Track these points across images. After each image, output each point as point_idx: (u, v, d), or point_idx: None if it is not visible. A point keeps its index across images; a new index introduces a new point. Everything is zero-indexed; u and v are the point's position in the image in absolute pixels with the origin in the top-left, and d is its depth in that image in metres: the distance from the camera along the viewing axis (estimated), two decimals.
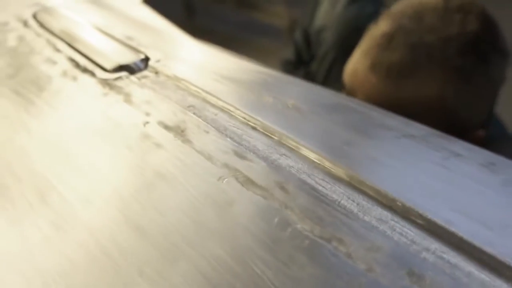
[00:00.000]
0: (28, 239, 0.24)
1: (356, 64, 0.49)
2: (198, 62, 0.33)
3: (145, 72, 0.31)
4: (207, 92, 0.28)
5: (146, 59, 0.33)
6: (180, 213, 0.21)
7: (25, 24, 0.41)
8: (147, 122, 0.26)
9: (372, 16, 0.75)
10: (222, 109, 0.27)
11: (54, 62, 0.35)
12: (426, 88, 0.44)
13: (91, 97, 0.30)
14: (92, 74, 0.32)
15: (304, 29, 0.89)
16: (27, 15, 0.42)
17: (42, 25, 0.40)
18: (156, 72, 0.31)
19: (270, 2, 1.88)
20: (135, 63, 0.32)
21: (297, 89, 0.31)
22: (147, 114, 0.27)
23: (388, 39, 0.44)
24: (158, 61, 0.32)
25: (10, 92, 0.34)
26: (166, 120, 0.26)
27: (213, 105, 0.27)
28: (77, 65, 0.33)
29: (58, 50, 0.36)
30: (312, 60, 0.85)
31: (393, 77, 0.43)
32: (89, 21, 0.40)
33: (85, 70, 0.32)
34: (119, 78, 0.31)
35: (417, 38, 0.43)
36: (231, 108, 0.27)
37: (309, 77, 0.84)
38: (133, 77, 0.30)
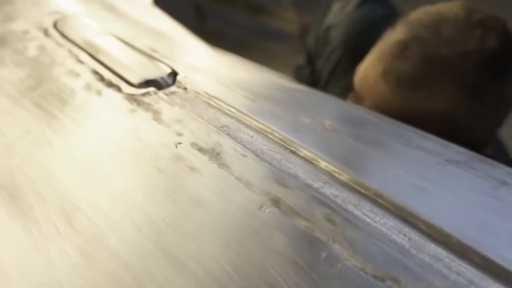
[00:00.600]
0: (55, 266, 0.23)
1: (367, 69, 0.48)
2: (227, 77, 0.32)
3: (173, 88, 0.30)
4: (240, 112, 0.27)
5: (173, 74, 0.31)
6: (219, 244, 0.20)
7: (46, 33, 0.40)
8: (179, 143, 0.25)
9: (383, 19, 0.74)
10: (258, 131, 0.25)
11: (77, 74, 0.34)
12: (436, 101, 0.42)
13: (118, 113, 0.29)
14: (118, 88, 0.31)
15: (316, 32, 0.89)
16: (48, 23, 0.41)
17: (63, 34, 0.39)
18: (185, 88, 0.30)
19: (281, 6, 1.87)
20: (162, 78, 0.31)
21: (332, 107, 0.29)
22: (179, 134, 0.26)
23: (402, 48, 0.43)
24: (186, 76, 0.31)
25: (32, 105, 0.33)
26: (200, 142, 0.25)
27: (248, 126, 0.26)
28: (101, 78, 0.32)
29: (81, 62, 0.35)
30: (318, 58, 0.84)
31: (404, 87, 0.42)
32: (110, 30, 0.39)
33: (110, 84, 0.31)
34: (147, 93, 0.29)
35: (432, 49, 0.42)
36: (268, 130, 0.25)
37: (314, 75, 0.83)
38: (161, 93, 0.29)
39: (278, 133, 0.25)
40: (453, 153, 0.26)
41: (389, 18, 0.76)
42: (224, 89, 0.30)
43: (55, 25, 0.41)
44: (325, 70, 0.79)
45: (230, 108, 0.27)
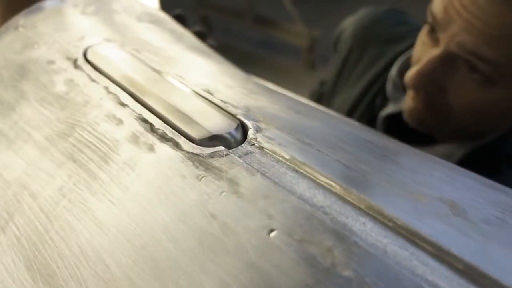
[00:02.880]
0: None
1: None
2: (303, 130, 0.26)
3: (246, 147, 0.24)
4: (340, 185, 0.21)
5: (242, 126, 0.26)
6: None
7: (75, 64, 0.34)
8: (272, 230, 0.20)
9: (389, 12, 0.72)
10: (371, 216, 0.20)
11: (119, 121, 0.28)
12: None
13: (179, 179, 0.23)
14: (175, 144, 0.25)
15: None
16: (76, 52, 0.35)
17: (96, 67, 0.33)
18: (261, 148, 0.24)
19: (290, 20, 1.82)
20: (230, 134, 0.25)
21: (452, 176, 0.24)
22: (269, 216, 0.20)
23: None
24: (256, 130, 0.25)
25: (65, 158, 0.27)
26: (299, 230, 0.19)
27: (357, 208, 0.20)
28: (151, 128, 0.27)
29: (122, 104, 0.29)
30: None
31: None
32: (153, 65, 0.33)
33: (163, 137, 0.26)
34: (215, 153, 0.24)
35: None
36: (384, 214, 0.20)
37: (322, 87, 0.79)
38: (234, 155, 0.24)
39: (398, 219, 0.19)
40: None
41: (396, 11, 0.74)
42: (308, 149, 0.24)
43: (85, 55, 0.35)
44: (332, 73, 0.76)
45: (326, 180, 0.22)
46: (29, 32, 0.38)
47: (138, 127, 0.27)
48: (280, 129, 0.26)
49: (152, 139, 0.26)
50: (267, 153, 0.24)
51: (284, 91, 0.46)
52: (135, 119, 0.27)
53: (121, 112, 0.28)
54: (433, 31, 0.48)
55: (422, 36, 0.50)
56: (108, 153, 0.26)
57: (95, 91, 0.31)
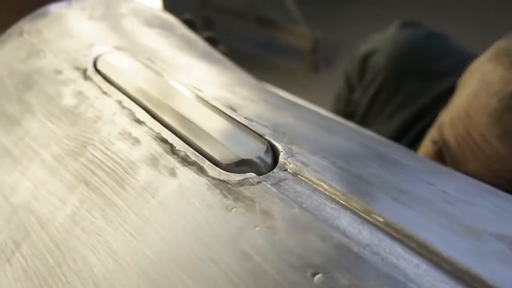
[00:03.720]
0: None
1: (467, 125, 0.40)
2: (336, 152, 0.24)
3: (278, 173, 0.22)
4: (389, 222, 0.19)
5: (272, 150, 0.24)
6: None
7: (85, 74, 0.32)
8: (316, 273, 0.17)
9: (429, 39, 0.68)
10: (425, 256, 0.18)
11: (135, 140, 0.26)
12: None
13: (206, 209, 0.21)
14: (199, 169, 0.23)
15: (352, 62, 0.81)
16: (85, 61, 0.33)
17: (107, 78, 0.31)
18: (295, 174, 0.22)
19: (293, 22, 1.80)
20: (260, 158, 0.23)
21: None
22: (311, 256, 0.18)
23: None
24: (290, 153, 0.23)
25: (76, 181, 0.25)
26: (346, 274, 0.17)
27: (408, 247, 0.18)
28: (171, 150, 0.24)
29: (138, 121, 0.27)
30: (354, 91, 0.77)
31: None
32: (166, 74, 0.31)
33: (186, 160, 0.23)
34: (245, 181, 0.22)
35: None
36: (438, 254, 0.18)
37: (350, 107, 0.76)
38: (266, 183, 0.21)
39: (460, 263, 0.17)
40: None
41: (435, 38, 0.70)
42: (346, 176, 0.22)
43: (95, 65, 0.33)
44: (364, 101, 0.72)
45: (370, 213, 0.20)
46: (33, 39, 0.35)
47: (157, 148, 0.25)
48: (314, 153, 0.23)
49: (173, 162, 0.24)
50: (302, 180, 0.22)
51: (307, 104, 0.43)
52: (153, 138, 0.25)
53: (137, 130, 0.26)
54: (440, 154, 0.44)
55: (428, 153, 0.46)
56: (124, 177, 0.24)
57: (108, 105, 0.29)
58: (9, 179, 0.27)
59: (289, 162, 0.23)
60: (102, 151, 0.26)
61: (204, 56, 0.41)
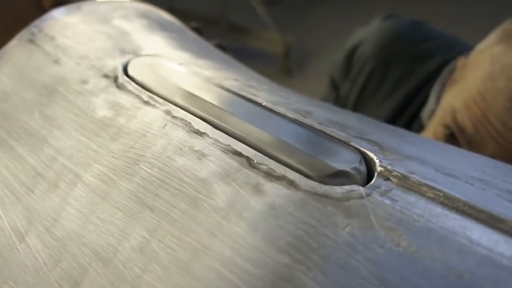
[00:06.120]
0: None
1: (483, 109, 0.40)
2: (436, 160, 0.22)
3: (380, 183, 0.20)
4: None
5: (364, 158, 0.21)
6: None
7: (116, 82, 0.28)
8: None
9: (412, 25, 0.70)
10: None
11: (200, 155, 0.22)
12: None
13: (311, 229, 0.18)
14: (290, 183, 0.20)
15: (338, 59, 0.81)
16: (114, 68, 0.29)
17: (144, 86, 0.27)
18: (401, 183, 0.20)
19: (264, 27, 1.79)
20: (356, 169, 0.20)
21: None
22: (458, 275, 0.16)
23: None
24: (384, 160, 0.21)
25: (134, 205, 0.21)
26: None
27: None
28: (249, 163, 0.21)
29: (198, 133, 0.23)
30: (342, 84, 0.78)
31: None
32: (212, 79, 0.28)
33: (271, 174, 0.20)
34: (352, 194, 0.19)
35: None
36: None
37: (339, 102, 0.76)
38: (375, 195, 0.19)
39: None
40: None
41: (418, 24, 0.72)
42: (456, 182, 0.20)
43: (125, 71, 0.29)
44: (354, 91, 0.73)
45: (499, 220, 0.18)
46: (47, 46, 0.31)
47: (230, 162, 0.22)
48: (409, 158, 0.21)
49: (254, 177, 0.21)
50: (411, 189, 0.19)
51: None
52: (223, 151, 0.22)
53: (199, 143, 0.23)
54: (453, 138, 0.44)
55: (437, 138, 0.46)
56: (197, 197, 0.21)
57: (154, 116, 0.25)
58: (48, 208, 0.23)
59: (389, 170, 0.20)
60: (161, 169, 0.22)
61: (230, 62, 0.38)
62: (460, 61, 0.49)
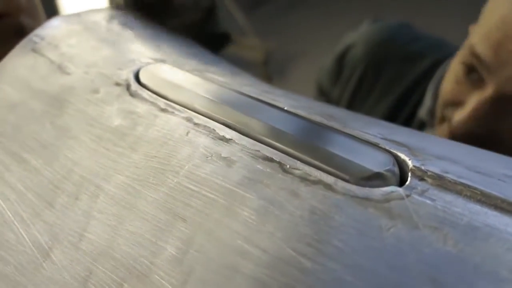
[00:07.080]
0: None
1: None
2: (464, 159, 0.22)
3: (416, 184, 0.20)
4: None
5: (396, 159, 0.21)
6: None
7: (129, 90, 0.27)
8: None
9: (400, 27, 0.71)
10: None
11: (229, 162, 0.22)
12: None
13: (355, 232, 0.18)
14: (327, 187, 0.20)
15: (327, 66, 0.82)
16: (125, 76, 0.28)
17: (160, 94, 0.27)
18: (436, 183, 0.20)
19: (243, 34, 1.80)
20: (390, 170, 0.20)
21: None
22: (511, 271, 0.16)
23: None
24: (417, 161, 0.21)
25: (165, 215, 0.21)
26: None
27: None
28: (281, 168, 0.21)
29: (224, 139, 0.23)
30: (332, 90, 0.78)
31: None
32: (230, 86, 0.27)
33: (306, 179, 0.20)
34: (391, 196, 0.19)
35: None
36: None
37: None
38: (415, 196, 0.19)
39: None
40: None
41: (406, 26, 0.73)
42: (491, 181, 0.20)
43: (137, 78, 0.28)
44: (345, 95, 0.73)
45: None
46: (51, 55, 0.30)
47: (262, 168, 0.21)
48: (440, 158, 0.21)
49: (288, 182, 0.20)
50: (447, 189, 0.19)
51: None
52: (252, 157, 0.22)
53: (226, 149, 0.22)
54: (472, 71, 0.46)
55: (458, 76, 0.48)
56: (230, 205, 0.20)
57: (174, 123, 0.25)
58: (71, 222, 0.22)
59: (423, 170, 0.20)
60: (188, 177, 0.22)
61: (234, 68, 0.38)
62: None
